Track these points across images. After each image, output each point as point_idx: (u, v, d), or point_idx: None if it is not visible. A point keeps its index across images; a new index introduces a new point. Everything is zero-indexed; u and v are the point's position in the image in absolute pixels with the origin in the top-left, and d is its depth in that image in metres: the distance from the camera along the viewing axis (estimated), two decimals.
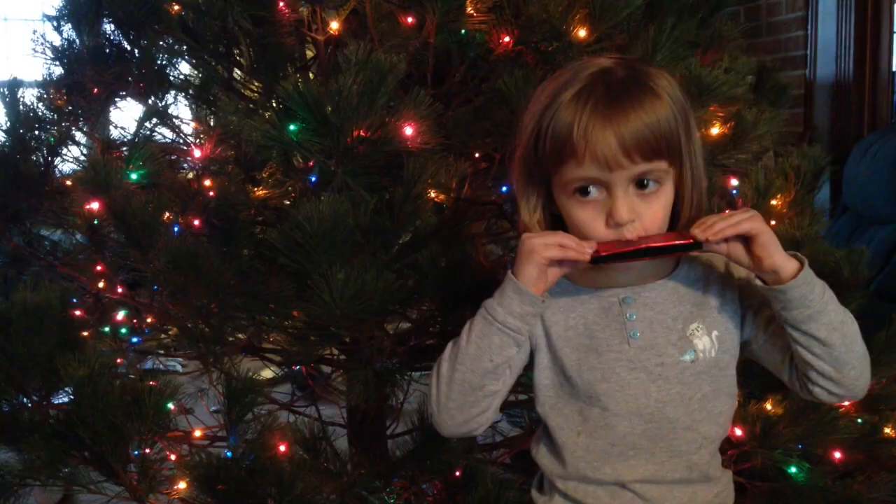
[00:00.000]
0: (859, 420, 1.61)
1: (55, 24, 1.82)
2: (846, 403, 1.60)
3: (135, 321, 1.81)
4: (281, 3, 1.57)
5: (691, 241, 1.03)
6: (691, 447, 1.10)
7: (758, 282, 1.04)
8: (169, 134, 1.77)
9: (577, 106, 1.02)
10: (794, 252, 1.03)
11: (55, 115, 1.82)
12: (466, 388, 1.08)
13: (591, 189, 1.04)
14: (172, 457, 1.55)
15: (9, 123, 1.79)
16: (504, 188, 1.68)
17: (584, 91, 1.03)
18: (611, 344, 1.10)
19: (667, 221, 1.07)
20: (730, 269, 1.13)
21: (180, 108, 1.82)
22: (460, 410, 1.09)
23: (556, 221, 1.10)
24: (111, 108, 1.84)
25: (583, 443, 1.12)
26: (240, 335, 1.67)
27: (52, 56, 1.81)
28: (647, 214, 1.04)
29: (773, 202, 1.63)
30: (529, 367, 1.16)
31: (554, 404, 1.13)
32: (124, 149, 1.69)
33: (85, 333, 1.66)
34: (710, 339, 1.10)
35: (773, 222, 1.62)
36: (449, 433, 1.12)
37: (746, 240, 1.02)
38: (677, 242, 1.04)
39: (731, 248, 1.03)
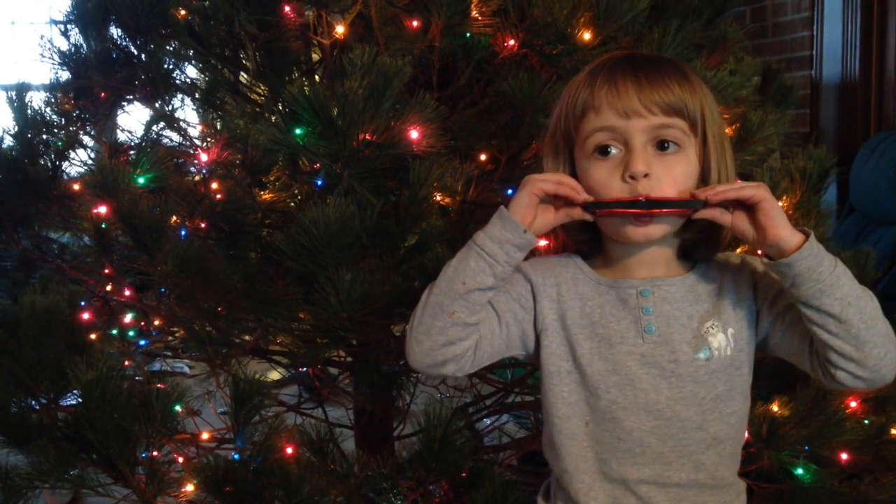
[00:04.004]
0: (866, 421, 1.61)
1: (62, 28, 1.83)
2: (853, 404, 1.60)
3: (142, 324, 1.82)
4: (287, 7, 1.58)
5: (692, 199, 1.02)
6: (700, 447, 1.09)
7: (765, 261, 1.02)
8: (176, 137, 1.79)
9: (603, 67, 1.06)
10: (801, 228, 1.01)
11: (63, 119, 1.83)
12: (437, 310, 1.05)
13: (612, 148, 1.04)
14: (180, 459, 1.56)
15: (17, 127, 1.80)
16: (510, 190, 1.68)
17: (613, 59, 1.08)
18: (625, 336, 1.09)
19: (686, 190, 1.05)
20: (745, 267, 1.12)
21: (187, 112, 1.83)
22: (427, 335, 1.06)
23: None
24: (118, 112, 1.86)
25: (591, 432, 1.10)
26: (247, 337, 1.68)
27: (59, 60, 1.82)
28: (664, 175, 1.03)
29: (779, 204, 1.63)
30: (536, 364, 1.16)
31: (560, 392, 1.11)
32: (131, 152, 1.70)
33: (93, 336, 1.67)
34: (726, 336, 1.08)
35: None
36: (415, 363, 1.09)
37: (751, 210, 1.01)
38: (676, 199, 1.03)
39: (735, 219, 1.02)
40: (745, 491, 1.18)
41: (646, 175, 1.03)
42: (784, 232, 0.99)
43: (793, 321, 1.06)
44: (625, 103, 1.02)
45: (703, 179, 1.08)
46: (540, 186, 1.05)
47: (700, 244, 1.11)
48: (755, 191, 1.00)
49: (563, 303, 1.11)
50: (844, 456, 1.60)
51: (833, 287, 0.99)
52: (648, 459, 1.09)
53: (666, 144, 1.04)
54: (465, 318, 1.06)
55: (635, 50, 1.10)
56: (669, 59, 1.11)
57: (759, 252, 1.05)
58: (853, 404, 1.60)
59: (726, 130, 1.12)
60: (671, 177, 1.04)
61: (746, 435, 1.54)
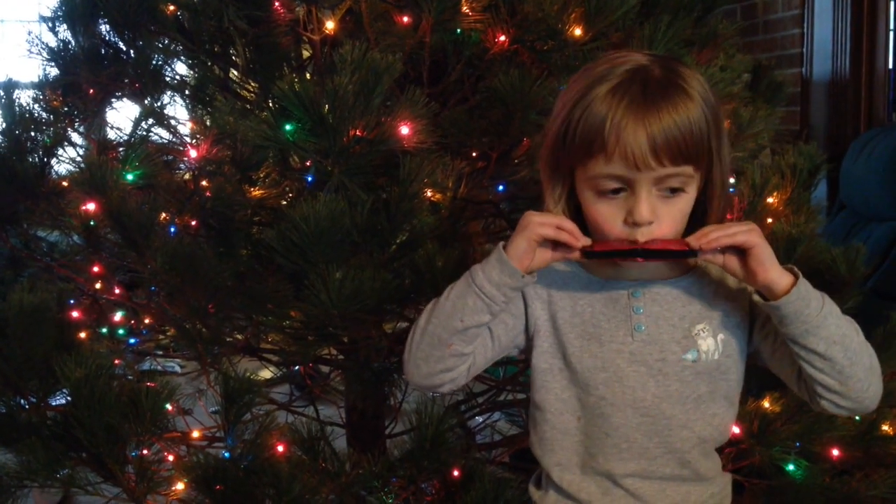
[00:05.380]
0: (857, 417, 1.61)
1: (50, 25, 1.82)
2: None
3: (132, 322, 1.81)
4: (276, 3, 1.57)
5: (686, 248, 1.03)
6: (686, 445, 1.11)
7: (755, 297, 1.04)
8: (165, 134, 1.77)
9: (612, 101, 1.02)
10: (790, 266, 1.03)
11: (51, 116, 1.82)
12: (435, 341, 1.09)
13: (618, 189, 1.04)
14: (170, 458, 1.55)
15: (5, 124, 1.79)
16: (501, 187, 1.68)
17: (621, 87, 1.03)
18: (614, 335, 1.10)
19: (684, 225, 1.07)
20: None
21: (176, 109, 1.82)
22: (426, 362, 1.10)
23: (579, 214, 1.10)
24: (107, 109, 1.84)
25: (582, 427, 1.12)
26: (238, 335, 1.68)
27: (47, 57, 1.81)
28: (666, 217, 1.04)
29: (770, 200, 1.63)
30: (528, 361, 1.16)
31: (552, 388, 1.13)
32: (120, 149, 1.69)
33: (82, 334, 1.65)
34: (715, 341, 1.10)
35: (769, 220, 1.62)
36: (414, 383, 1.14)
37: (742, 253, 1.02)
38: (671, 248, 1.04)
39: (726, 260, 1.04)
40: (730, 482, 1.20)
41: (650, 222, 1.03)
42: (773, 275, 1.01)
43: (783, 344, 1.08)
44: (636, 154, 1.00)
45: (700, 207, 1.08)
46: (539, 232, 1.05)
47: None
48: (747, 237, 1.01)
49: (553, 303, 1.13)
50: (835, 452, 1.61)
51: (819, 328, 1.02)
52: (634, 455, 1.11)
53: (671, 190, 1.04)
54: (462, 350, 1.09)
55: (649, 63, 1.05)
56: (678, 81, 1.04)
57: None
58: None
59: (726, 132, 1.10)
60: (671, 217, 1.05)
61: (738, 431, 1.55)
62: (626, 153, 1.00)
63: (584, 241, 1.05)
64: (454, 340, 1.08)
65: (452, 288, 1.09)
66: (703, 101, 1.04)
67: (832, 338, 1.02)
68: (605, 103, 1.02)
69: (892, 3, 3.51)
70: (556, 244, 1.06)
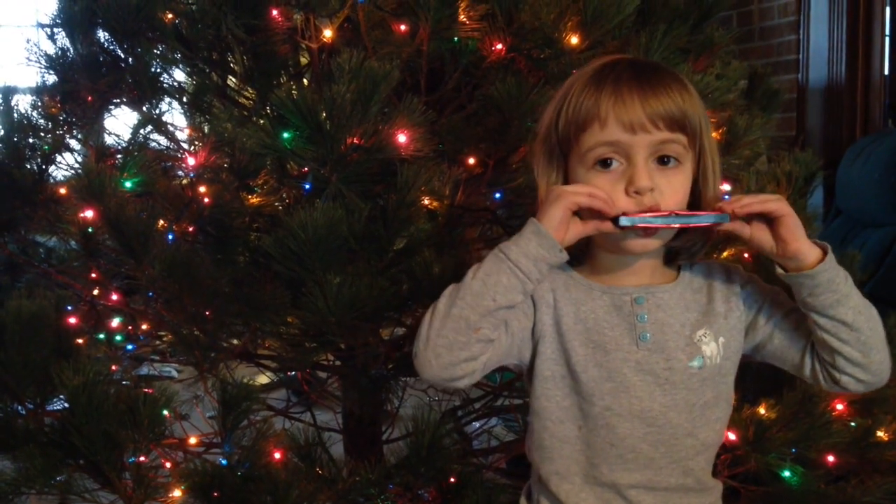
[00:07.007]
0: (852, 423, 1.62)
1: (49, 31, 1.82)
2: (840, 407, 1.61)
3: (130, 328, 1.82)
4: (274, 11, 1.58)
5: (719, 212, 1.03)
6: (690, 453, 1.10)
7: (779, 271, 1.04)
8: (163, 141, 1.78)
9: (604, 75, 1.04)
10: (815, 240, 1.04)
11: (49, 123, 1.83)
12: (462, 325, 1.02)
13: (613, 161, 1.04)
14: (167, 464, 1.55)
15: (3, 131, 1.80)
16: (498, 194, 1.69)
17: (610, 65, 1.06)
18: (619, 343, 1.09)
19: (685, 203, 1.06)
20: (732, 277, 1.13)
21: (174, 116, 1.83)
22: (449, 350, 1.02)
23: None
24: (105, 116, 1.85)
25: (584, 437, 1.10)
26: (235, 341, 1.68)
27: (46, 64, 1.81)
28: (666, 189, 1.04)
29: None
30: (530, 368, 1.15)
31: (553, 396, 1.11)
32: (118, 156, 1.70)
33: (80, 341, 1.66)
34: (717, 345, 1.09)
35: None
36: (430, 376, 1.04)
37: (771, 222, 1.03)
38: (704, 213, 1.04)
39: (754, 230, 1.04)
40: (721, 490, 1.19)
41: (651, 189, 1.03)
42: (804, 245, 1.02)
43: (790, 328, 1.09)
44: (632, 117, 1.01)
45: (694, 191, 1.09)
46: (574, 200, 1.03)
47: (682, 250, 1.12)
48: (778, 205, 1.02)
49: (558, 308, 1.11)
50: (831, 458, 1.62)
51: (848, 297, 1.03)
52: (640, 465, 1.10)
53: (666, 159, 1.04)
54: (489, 335, 1.04)
55: (634, 56, 1.09)
56: (668, 67, 1.10)
57: (750, 255, 1.07)
58: (839, 407, 1.61)
59: (713, 135, 1.12)
60: (672, 190, 1.05)
61: (734, 437, 1.55)
62: (621, 116, 1.02)
63: (617, 210, 1.03)
64: (483, 323, 1.02)
65: (478, 268, 1.04)
66: (696, 93, 1.07)
67: (858, 307, 1.03)
68: (597, 78, 1.05)
69: (887, 10, 3.53)
70: (585, 218, 1.05)
